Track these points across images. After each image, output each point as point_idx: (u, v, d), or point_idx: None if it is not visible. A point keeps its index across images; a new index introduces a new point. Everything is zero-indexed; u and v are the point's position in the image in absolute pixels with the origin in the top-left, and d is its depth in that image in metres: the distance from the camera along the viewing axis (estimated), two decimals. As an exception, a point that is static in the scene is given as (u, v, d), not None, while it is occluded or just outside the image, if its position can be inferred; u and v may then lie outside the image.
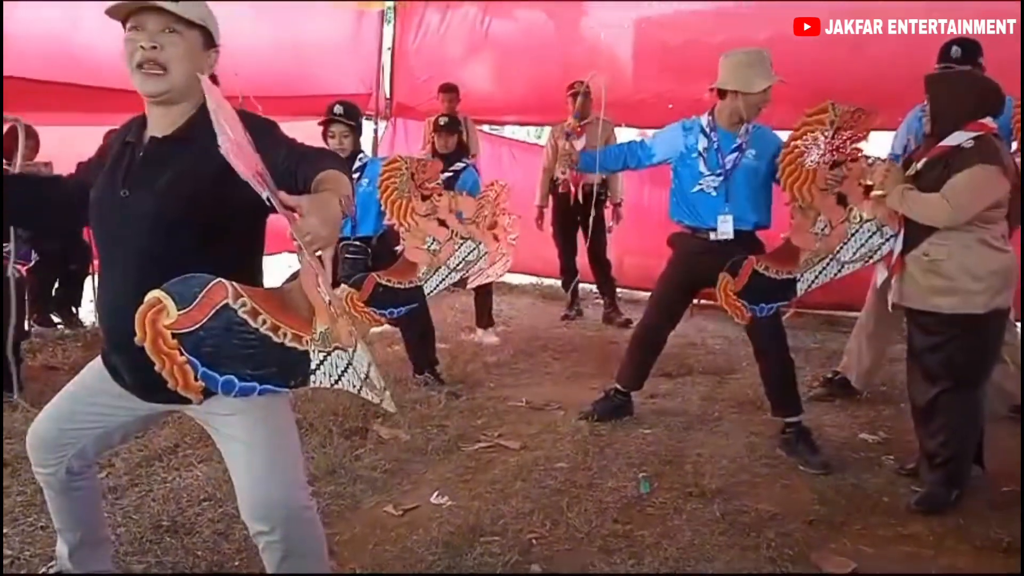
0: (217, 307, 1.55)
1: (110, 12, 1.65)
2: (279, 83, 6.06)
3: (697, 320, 5.41)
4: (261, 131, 1.61)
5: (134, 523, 2.53)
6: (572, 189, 5.59)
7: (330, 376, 1.65)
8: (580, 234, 5.78)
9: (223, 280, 1.56)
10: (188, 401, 1.64)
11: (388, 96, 7.43)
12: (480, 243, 3.99)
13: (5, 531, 2.42)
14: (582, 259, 5.86)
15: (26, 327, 4.02)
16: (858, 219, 3.03)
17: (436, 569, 2.32)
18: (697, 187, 3.27)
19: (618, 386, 3.63)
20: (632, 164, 3.56)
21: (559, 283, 6.15)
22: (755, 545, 2.49)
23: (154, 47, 1.62)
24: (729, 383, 4.24)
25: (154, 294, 1.53)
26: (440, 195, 3.89)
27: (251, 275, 1.72)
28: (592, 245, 5.75)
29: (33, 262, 4.40)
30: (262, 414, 1.70)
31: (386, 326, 4.53)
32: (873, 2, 5.27)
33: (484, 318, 5.14)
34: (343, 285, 3.68)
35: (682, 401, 3.93)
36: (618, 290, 5.92)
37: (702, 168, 3.26)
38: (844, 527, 2.64)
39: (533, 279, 7.06)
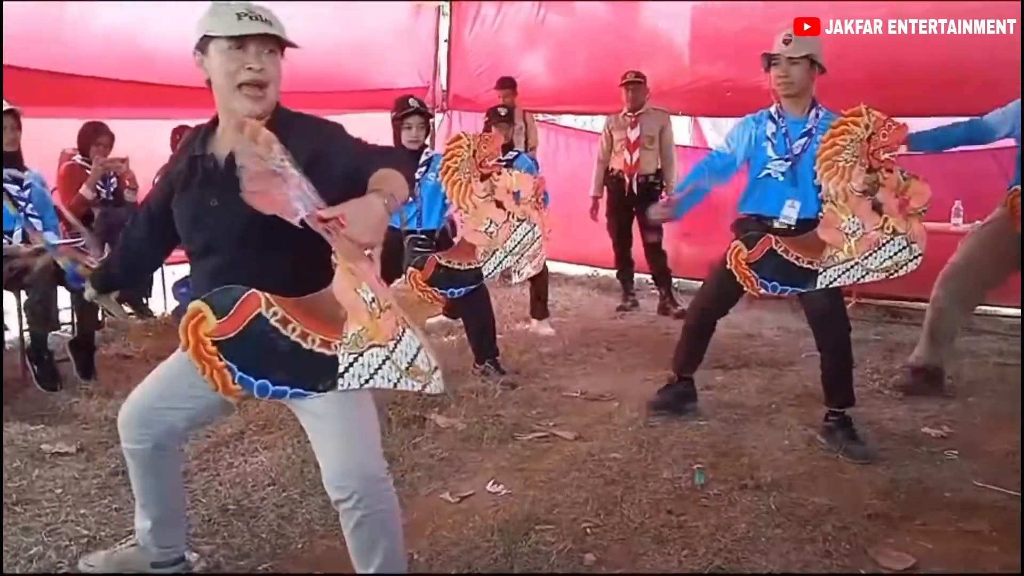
0: (251, 316, 1.68)
1: (218, 28, 1.69)
2: (337, 78, 6.18)
3: (755, 311, 5.38)
4: (328, 136, 1.73)
5: (202, 506, 2.63)
6: (627, 180, 5.59)
7: (360, 377, 1.72)
8: (635, 225, 5.76)
9: (257, 291, 1.68)
10: None
11: (444, 89, 7.51)
12: (535, 224, 4.00)
13: (82, 511, 2.55)
14: (637, 249, 5.84)
15: (99, 318, 4.19)
16: (890, 230, 2.99)
17: (492, 555, 2.36)
18: (764, 172, 3.24)
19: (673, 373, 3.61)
20: (722, 178, 3.41)
21: (614, 274, 6.15)
22: (811, 538, 2.46)
23: (261, 68, 1.71)
24: (787, 375, 4.18)
25: (195, 304, 1.68)
26: (499, 174, 3.92)
27: (327, 263, 1.77)
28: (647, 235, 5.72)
29: (105, 256, 4.57)
30: (344, 394, 1.78)
31: (442, 317, 4.61)
32: (875, 1, 5.22)
33: (539, 308, 5.15)
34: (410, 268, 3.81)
35: (738, 393, 3.90)
36: (674, 280, 5.88)
37: (770, 152, 3.23)
38: (904, 522, 2.59)
39: (588, 270, 7.06)
